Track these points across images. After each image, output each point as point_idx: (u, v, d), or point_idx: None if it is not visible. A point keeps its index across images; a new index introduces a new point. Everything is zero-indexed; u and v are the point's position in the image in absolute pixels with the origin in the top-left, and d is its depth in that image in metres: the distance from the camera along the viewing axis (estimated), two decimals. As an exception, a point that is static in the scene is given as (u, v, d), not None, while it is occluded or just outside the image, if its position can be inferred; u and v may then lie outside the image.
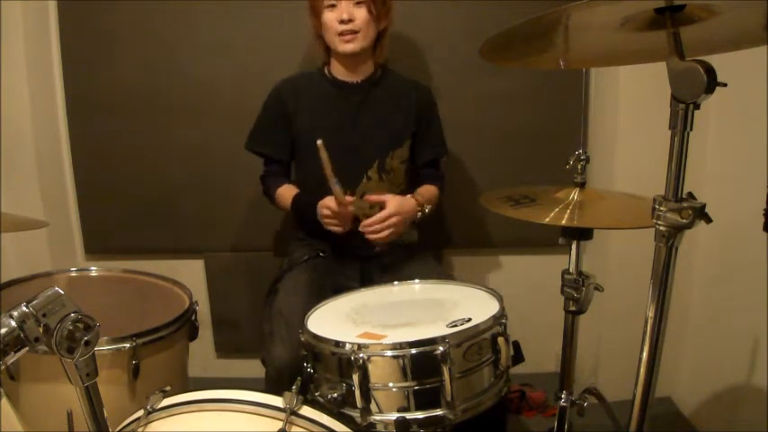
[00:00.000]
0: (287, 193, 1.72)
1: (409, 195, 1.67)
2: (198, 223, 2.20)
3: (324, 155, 1.45)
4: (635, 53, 1.07)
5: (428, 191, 1.77)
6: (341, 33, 1.60)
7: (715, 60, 0.81)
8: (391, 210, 1.56)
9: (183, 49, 2.08)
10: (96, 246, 2.26)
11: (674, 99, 0.82)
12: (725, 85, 0.79)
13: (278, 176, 1.78)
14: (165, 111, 2.12)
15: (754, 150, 1.58)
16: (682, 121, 0.82)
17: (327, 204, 1.55)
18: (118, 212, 2.21)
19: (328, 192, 1.66)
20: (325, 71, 1.73)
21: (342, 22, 1.59)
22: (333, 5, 1.61)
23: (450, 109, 1.91)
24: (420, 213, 1.64)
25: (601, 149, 2.04)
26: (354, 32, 1.60)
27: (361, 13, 1.59)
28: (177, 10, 2.05)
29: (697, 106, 0.81)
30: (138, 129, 2.14)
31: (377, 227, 1.55)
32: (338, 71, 1.71)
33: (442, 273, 1.71)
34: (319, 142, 1.44)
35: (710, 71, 0.78)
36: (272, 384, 1.41)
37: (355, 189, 1.69)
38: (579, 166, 1.29)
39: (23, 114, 2.04)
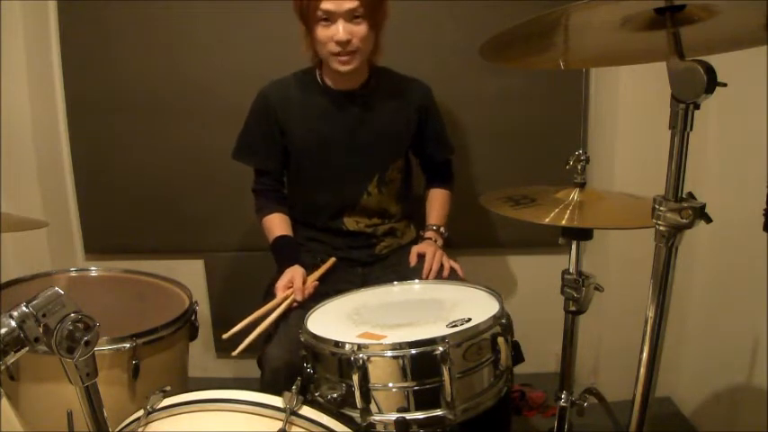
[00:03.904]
0: (273, 227, 1.63)
1: (425, 238, 1.69)
2: (198, 223, 2.20)
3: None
4: (635, 53, 1.07)
5: (438, 205, 1.76)
6: (336, 54, 1.46)
7: (715, 60, 0.81)
8: (430, 252, 1.59)
9: (184, 50, 2.08)
10: (96, 246, 2.26)
11: (674, 99, 0.82)
12: (725, 85, 0.79)
13: (270, 197, 1.69)
14: (165, 111, 2.12)
15: (754, 150, 1.57)
16: (682, 121, 0.82)
17: (294, 278, 1.47)
18: (118, 212, 2.21)
19: (318, 207, 1.67)
20: (318, 77, 1.61)
21: (338, 43, 1.43)
22: (326, 20, 1.43)
23: (451, 109, 1.90)
24: (441, 242, 1.68)
25: (601, 149, 2.04)
26: (352, 52, 1.45)
27: (359, 30, 1.44)
28: (177, 10, 2.05)
29: (697, 106, 0.81)
30: (138, 129, 2.14)
31: (434, 267, 1.56)
32: (331, 81, 1.59)
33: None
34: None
35: (710, 71, 0.78)
36: (268, 386, 1.38)
37: (355, 206, 1.66)
38: (579, 167, 1.29)
39: (23, 114, 2.04)
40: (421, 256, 1.60)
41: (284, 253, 1.59)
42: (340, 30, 1.43)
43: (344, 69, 1.49)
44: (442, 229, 1.71)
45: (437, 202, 1.77)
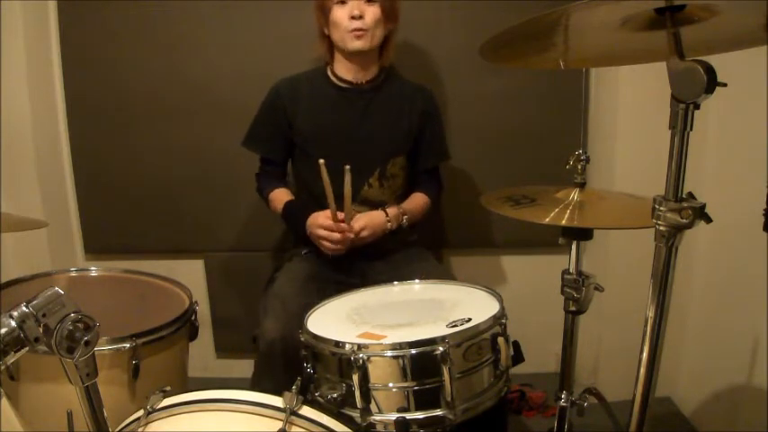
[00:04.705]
0: (280, 197, 1.73)
1: (380, 209, 1.67)
2: (198, 223, 2.20)
3: (325, 176, 1.47)
4: (635, 53, 1.07)
5: (415, 202, 1.77)
6: (351, 30, 1.58)
7: (715, 60, 0.81)
8: (361, 224, 1.58)
9: (183, 49, 2.08)
10: (96, 246, 2.26)
11: (674, 99, 0.82)
12: (725, 85, 0.79)
13: (272, 178, 1.78)
14: (165, 110, 2.12)
15: (754, 150, 1.57)
16: (682, 121, 0.82)
17: (321, 223, 1.54)
18: (118, 212, 2.21)
19: (320, 196, 1.66)
20: (328, 72, 1.71)
21: (353, 18, 1.56)
22: (343, 2, 1.58)
23: (450, 109, 1.91)
24: (390, 224, 1.65)
25: (601, 149, 2.04)
26: (364, 30, 1.57)
27: (372, 12, 1.57)
28: (177, 10, 2.05)
29: (697, 106, 0.81)
30: (138, 129, 2.14)
31: (344, 235, 1.56)
32: (342, 71, 1.68)
33: (444, 273, 1.71)
34: (321, 162, 1.45)
35: (710, 71, 0.78)
36: (263, 358, 1.41)
37: (356, 197, 1.67)
38: (579, 167, 1.29)
39: (23, 114, 2.04)
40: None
41: (299, 212, 1.65)
42: (354, 7, 1.57)
43: (357, 45, 1.59)
44: (405, 218, 1.69)
45: (414, 200, 1.77)
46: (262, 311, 1.48)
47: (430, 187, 1.83)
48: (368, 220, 1.60)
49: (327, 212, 1.54)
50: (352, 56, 1.64)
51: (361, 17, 1.56)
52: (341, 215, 1.54)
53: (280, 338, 1.37)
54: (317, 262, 1.67)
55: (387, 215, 1.65)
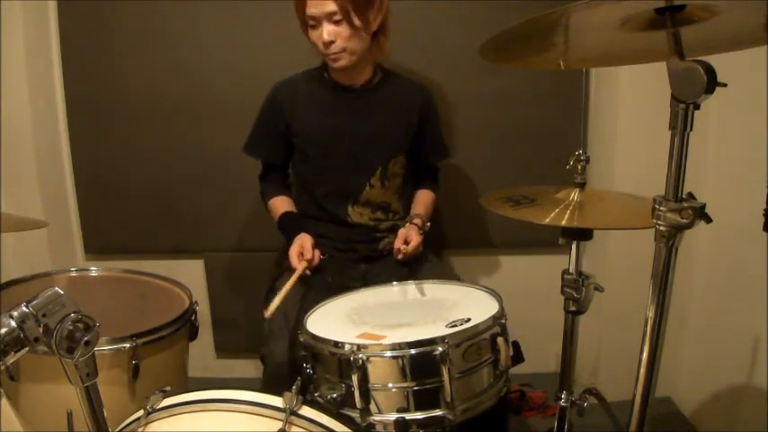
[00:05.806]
0: (278, 206, 1.72)
1: (409, 223, 1.66)
2: (198, 223, 2.20)
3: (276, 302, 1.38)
4: (635, 53, 1.07)
5: (425, 201, 1.78)
6: (327, 55, 1.55)
7: (715, 60, 0.81)
8: (414, 243, 1.57)
9: (184, 49, 2.08)
10: (96, 246, 2.26)
11: (674, 99, 0.82)
12: (725, 85, 0.79)
13: (274, 183, 1.77)
14: (166, 111, 2.12)
15: (754, 150, 1.57)
16: (682, 121, 0.82)
17: (292, 254, 1.54)
18: (118, 212, 2.21)
19: (323, 196, 1.69)
20: (325, 73, 1.69)
21: (324, 44, 1.53)
22: (314, 26, 1.54)
23: (451, 109, 1.91)
24: (422, 235, 1.65)
25: (601, 149, 2.04)
26: (340, 52, 1.53)
27: (342, 31, 1.51)
28: (177, 10, 2.05)
29: (697, 106, 0.81)
30: (139, 129, 2.14)
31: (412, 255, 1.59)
32: (336, 75, 1.67)
33: (446, 271, 1.71)
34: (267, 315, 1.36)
35: (710, 71, 0.78)
36: (271, 381, 1.41)
37: (358, 197, 1.69)
38: (579, 167, 1.29)
39: (23, 114, 2.04)
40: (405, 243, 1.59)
41: (291, 225, 1.66)
42: (324, 32, 1.52)
43: (336, 66, 1.59)
44: (428, 224, 1.69)
45: (424, 200, 1.79)
46: (267, 330, 1.46)
47: (432, 183, 1.84)
48: (415, 237, 1.59)
49: (304, 245, 1.54)
50: (338, 70, 1.62)
51: (332, 42, 1.51)
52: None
53: (288, 361, 1.36)
54: (318, 267, 1.66)
55: (419, 227, 1.64)
